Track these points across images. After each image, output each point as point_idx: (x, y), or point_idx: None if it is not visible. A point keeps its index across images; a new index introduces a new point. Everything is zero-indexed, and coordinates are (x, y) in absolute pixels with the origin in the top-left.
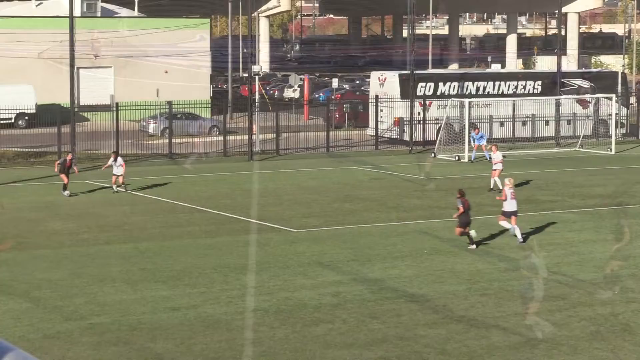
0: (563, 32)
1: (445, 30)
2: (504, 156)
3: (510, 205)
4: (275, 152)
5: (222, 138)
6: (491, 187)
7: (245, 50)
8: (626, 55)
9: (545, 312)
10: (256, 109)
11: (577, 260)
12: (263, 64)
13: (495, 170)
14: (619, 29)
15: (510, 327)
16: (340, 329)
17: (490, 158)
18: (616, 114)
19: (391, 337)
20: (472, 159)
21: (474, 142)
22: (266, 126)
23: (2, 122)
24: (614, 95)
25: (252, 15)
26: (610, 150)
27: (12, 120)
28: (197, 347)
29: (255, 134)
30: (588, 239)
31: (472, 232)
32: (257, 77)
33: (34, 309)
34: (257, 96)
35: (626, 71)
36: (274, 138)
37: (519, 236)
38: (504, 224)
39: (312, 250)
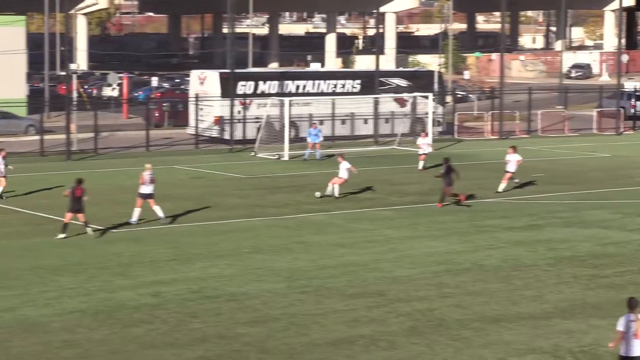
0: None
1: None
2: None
3: (147, 188)
4: (94, 151)
5: (39, 137)
6: (327, 193)
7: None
8: (442, 55)
9: (363, 308)
10: (74, 108)
11: (394, 257)
12: (81, 62)
13: (339, 178)
14: (435, 29)
15: (329, 324)
16: (160, 329)
17: (320, 157)
18: (433, 112)
19: (211, 336)
20: (318, 157)
21: (309, 138)
22: (84, 125)
23: None
24: (430, 94)
25: (70, 12)
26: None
27: None
28: (14, 350)
29: (73, 133)
30: (405, 235)
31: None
32: (74, 75)
33: None
34: (75, 94)
35: (442, 70)
36: (92, 137)
37: (160, 214)
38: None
39: (132, 250)
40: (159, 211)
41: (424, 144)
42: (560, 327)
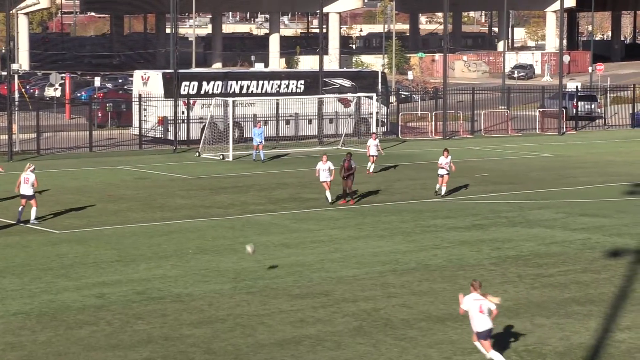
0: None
1: (208, 29)
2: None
3: (26, 189)
4: (37, 152)
5: None
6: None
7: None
8: (386, 55)
9: (309, 308)
10: (16, 108)
11: (340, 257)
12: (22, 61)
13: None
14: (378, 29)
15: (275, 325)
16: (104, 330)
17: (263, 160)
18: (377, 112)
19: (156, 337)
20: (254, 158)
21: (255, 139)
22: (26, 125)
23: None
24: (374, 95)
25: (11, 12)
26: None
27: None
28: None
29: (14, 133)
30: (351, 235)
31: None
32: (16, 76)
33: None
34: (16, 95)
35: (386, 71)
36: (34, 138)
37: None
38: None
39: (75, 251)
40: (34, 212)
41: (373, 145)
42: (505, 326)
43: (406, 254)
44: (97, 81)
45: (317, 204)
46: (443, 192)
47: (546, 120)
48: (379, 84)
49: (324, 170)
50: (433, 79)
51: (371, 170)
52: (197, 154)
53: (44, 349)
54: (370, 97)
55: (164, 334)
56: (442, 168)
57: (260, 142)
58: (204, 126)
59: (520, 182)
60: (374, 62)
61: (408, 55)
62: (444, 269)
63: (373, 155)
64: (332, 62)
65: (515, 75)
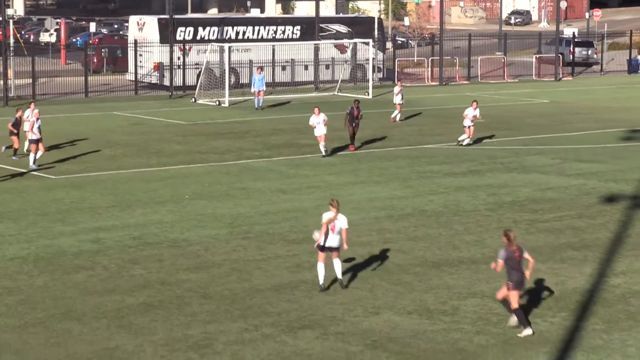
0: None
1: None
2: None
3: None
4: (32, 97)
5: None
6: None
7: None
8: (382, 1)
9: (305, 253)
10: (11, 54)
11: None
12: (17, 7)
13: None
14: None
15: (272, 270)
16: (101, 275)
17: (261, 107)
18: (373, 58)
19: (153, 282)
20: (257, 106)
21: (254, 86)
22: (22, 71)
23: None
24: (370, 41)
25: None
26: (368, 94)
27: None
28: None
29: (10, 79)
30: (347, 181)
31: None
32: (11, 21)
33: None
34: (11, 40)
35: (382, 17)
36: (30, 83)
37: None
38: None
39: (72, 196)
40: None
41: (399, 94)
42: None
43: (402, 200)
44: (93, 27)
45: (313, 150)
46: (465, 143)
47: (543, 66)
48: (376, 30)
49: (319, 124)
50: (429, 25)
51: (397, 119)
52: (193, 99)
53: (41, 293)
54: (367, 43)
55: (160, 278)
56: (468, 119)
57: (262, 89)
58: (199, 72)
59: (517, 128)
60: (371, 8)
61: (404, 1)
62: (440, 215)
63: (399, 104)
64: (328, 7)
65: (512, 21)
